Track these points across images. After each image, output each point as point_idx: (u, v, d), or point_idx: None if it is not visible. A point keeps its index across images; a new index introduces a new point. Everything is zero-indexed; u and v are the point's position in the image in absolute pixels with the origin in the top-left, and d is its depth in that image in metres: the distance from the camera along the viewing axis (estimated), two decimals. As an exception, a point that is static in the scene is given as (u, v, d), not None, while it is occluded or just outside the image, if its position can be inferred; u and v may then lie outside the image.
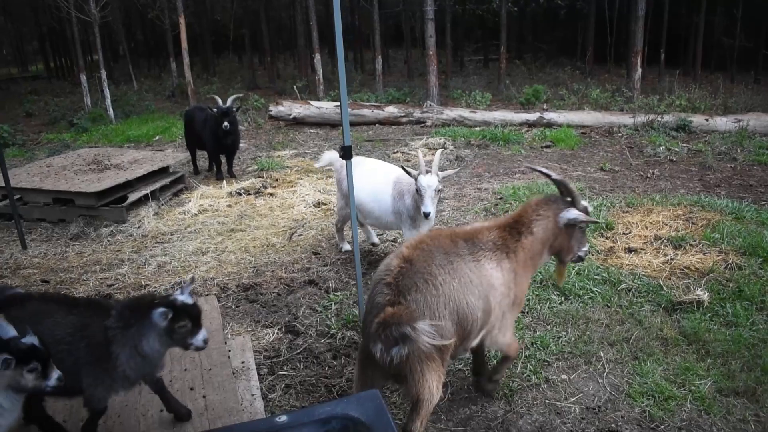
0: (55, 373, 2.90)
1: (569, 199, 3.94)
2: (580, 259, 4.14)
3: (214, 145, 10.16)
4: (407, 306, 3.26)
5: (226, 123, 9.66)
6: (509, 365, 4.35)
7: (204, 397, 3.98)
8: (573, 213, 3.85)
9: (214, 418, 3.64)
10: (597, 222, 3.80)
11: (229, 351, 4.64)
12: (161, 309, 3.23)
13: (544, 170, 4.09)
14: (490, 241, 3.74)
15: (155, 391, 3.66)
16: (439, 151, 6.21)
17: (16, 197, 8.28)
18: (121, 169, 9.07)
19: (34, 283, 6.40)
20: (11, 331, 2.82)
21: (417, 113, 14.95)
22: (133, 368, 3.33)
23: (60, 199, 8.26)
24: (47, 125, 17.23)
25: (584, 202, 4.02)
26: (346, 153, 4.74)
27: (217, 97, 10.15)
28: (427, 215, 5.44)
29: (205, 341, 3.37)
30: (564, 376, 4.51)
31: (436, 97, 16.72)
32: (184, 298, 3.33)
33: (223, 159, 10.44)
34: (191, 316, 3.32)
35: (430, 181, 5.38)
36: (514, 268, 3.74)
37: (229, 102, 9.87)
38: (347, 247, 6.91)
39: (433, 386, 3.39)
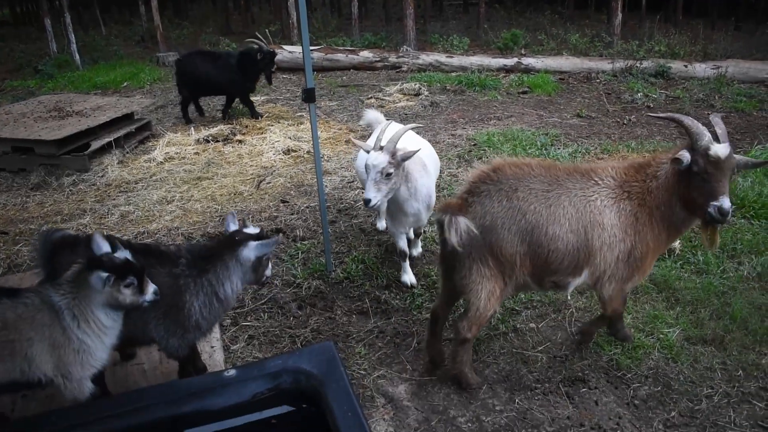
0: (151, 287, 2.86)
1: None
2: (712, 218, 3.19)
3: (239, 88, 10.06)
4: (469, 203, 3.34)
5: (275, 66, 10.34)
6: (603, 324, 4.01)
7: (159, 349, 3.82)
8: (682, 154, 3.23)
9: (169, 371, 3.52)
10: (680, 162, 3.19)
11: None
12: (252, 244, 3.11)
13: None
14: (610, 177, 3.45)
15: None
16: (412, 124, 4.65)
17: (-28, 146, 7.98)
18: (84, 116, 8.71)
19: (-8, 235, 6.18)
20: (105, 247, 2.78)
21: (393, 58, 14.62)
22: (206, 317, 3.21)
23: (20, 148, 7.94)
24: (12, 72, 16.60)
25: (719, 146, 3.19)
26: (309, 96, 4.53)
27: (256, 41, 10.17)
28: (366, 203, 4.19)
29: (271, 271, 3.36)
30: (532, 325, 4.45)
31: (413, 41, 16.30)
32: (251, 230, 3.22)
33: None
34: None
35: (374, 160, 4.15)
36: (635, 212, 3.36)
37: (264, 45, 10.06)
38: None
39: (481, 293, 3.39)
